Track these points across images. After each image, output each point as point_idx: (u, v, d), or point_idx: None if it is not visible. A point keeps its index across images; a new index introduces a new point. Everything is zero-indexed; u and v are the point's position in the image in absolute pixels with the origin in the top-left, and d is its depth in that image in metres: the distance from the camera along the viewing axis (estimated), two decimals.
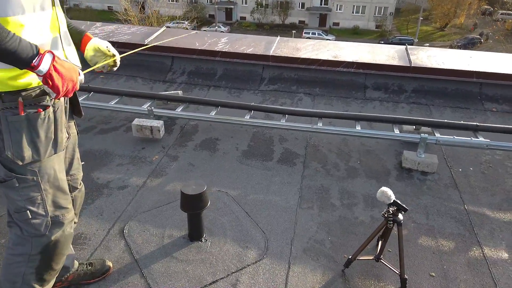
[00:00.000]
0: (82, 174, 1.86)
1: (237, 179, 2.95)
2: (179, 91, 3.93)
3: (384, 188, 1.93)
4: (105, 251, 2.28)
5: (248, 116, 3.42)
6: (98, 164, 3.09)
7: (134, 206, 2.64)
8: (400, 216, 1.98)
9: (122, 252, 2.27)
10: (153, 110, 3.46)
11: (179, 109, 3.52)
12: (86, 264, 2.07)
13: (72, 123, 1.72)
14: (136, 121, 3.35)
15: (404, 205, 1.96)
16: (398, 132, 3.23)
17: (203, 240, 2.37)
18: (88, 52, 1.72)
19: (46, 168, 1.41)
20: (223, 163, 3.14)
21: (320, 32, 37.45)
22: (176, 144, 3.38)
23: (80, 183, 1.85)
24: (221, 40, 4.96)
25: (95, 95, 3.77)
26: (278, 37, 5.15)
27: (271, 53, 4.58)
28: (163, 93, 3.80)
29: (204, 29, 38.41)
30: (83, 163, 1.90)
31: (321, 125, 3.31)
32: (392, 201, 1.93)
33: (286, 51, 4.68)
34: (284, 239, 2.40)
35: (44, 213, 1.45)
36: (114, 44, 1.95)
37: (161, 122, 3.37)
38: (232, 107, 3.54)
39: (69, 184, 1.71)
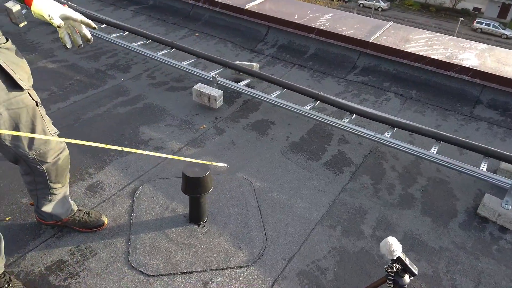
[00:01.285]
0: (54, 145, 1.74)
1: (270, 171, 2.70)
2: (254, 64, 3.74)
3: (390, 239, 1.50)
4: (110, 205, 2.33)
5: (309, 106, 3.08)
6: (150, 120, 3.16)
7: (158, 170, 2.63)
8: (406, 279, 1.53)
9: (124, 212, 2.29)
10: (218, 78, 3.35)
11: (242, 83, 3.35)
12: (84, 212, 2.13)
13: (21, 97, 1.55)
14: (198, 86, 3.30)
15: (413, 267, 1.51)
16: (485, 169, 2.54)
17: (201, 225, 2.24)
18: (35, 14, 1.47)
19: None
20: (264, 150, 2.90)
21: (496, 24, 32.06)
22: (230, 118, 3.25)
23: (53, 155, 1.75)
24: (324, 16, 4.53)
25: (176, 52, 3.84)
26: (391, 22, 4.49)
27: (371, 39, 4.02)
28: (236, 62, 3.65)
29: (360, 2, 36.46)
30: (57, 132, 1.78)
31: (388, 135, 2.80)
32: (395, 257, 1.49)
33: (391, 40, 4.05)
34: (284, 252, 2.12)
35: None
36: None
37: (220, 92, 3.26)
38: (297, 92, 3.22)
39: (34, 159, 1.68)
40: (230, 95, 3.51)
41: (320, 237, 2.24)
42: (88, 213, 2.13)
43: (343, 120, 2.97)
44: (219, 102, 3.27)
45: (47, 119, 1.69)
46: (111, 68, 3.93)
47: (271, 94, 3.19)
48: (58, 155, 1.75)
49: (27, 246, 2.04)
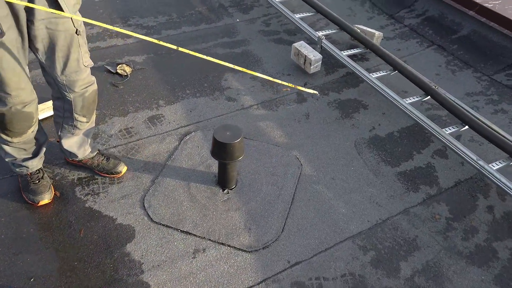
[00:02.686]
0: (85, 76, 1.75)
1: (329, 159, 2.35)
2: (377, 32, 3.17)
3: None
4: (157, 140, 2.37)
5: (413, 100, 2.49)
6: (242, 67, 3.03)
7: (219, 120, 2.54)
8: None
9: (166, 152, 2.30)
10: (323, 40, 2.97)
11: (348, 52, 2.89)
12: (105, 156, 2.15)
13: (61, 20, 1.54)
14: (298, 44, 2.99)
15: None
16: None
17: (225, 191, 2.12)
18: None
19: None
20: (337, 134, 2.52)
21: None
22: (319, 87, 2.89)
23: (82, 86, 1.76)
24: None
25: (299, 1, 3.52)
26: None
27: None
28: (358, 26, 3.14)
29: None
30: (91, 64, 1.77)
31: (497, 167, 2.10)
32: None
33: None
34: (292, 254, 1.87)
35: None
36: None
37: (319, 56, 2.88)
38: (408, 77, 2.63)
39: (64, 84, 1.71)
40: (335, 63, 3.10)
41: (342, 254, 1.89)
42: (108, 158, 2.15)
43: (448, 128, 2.33)
44: (315, 68, 2.92)
45: (85, 50, 1.71)
46: (234, 6, 3.86)
47: (373, 74, 2.69)
48: (86, 87, 1.78)
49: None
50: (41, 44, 1.57)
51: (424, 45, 3.44)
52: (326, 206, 2.09)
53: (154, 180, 2.15)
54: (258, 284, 1.75)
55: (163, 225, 1.94)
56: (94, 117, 1.99)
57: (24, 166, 1.90)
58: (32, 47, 1.58)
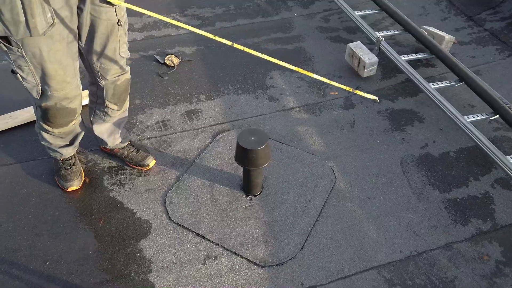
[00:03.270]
0: (119, 66, 1.75)
1: (369, 175, 2.13)
2: (447, 36, 2.81)
3: None
4: (190, 136, 2.32)
5: (475, 118, 2.17)
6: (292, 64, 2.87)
7: (256, 121, 2.44)
8: None
9: (196, 148, 2.26)
10: (381, 41, 2.70)
11: (407, 57, 2.60)
12: (135, 148, 2.14)
13: (105, 9, 1.54)
14: (353, 45, 2.75)
15: None
16: None
17: (249, 197, 2.02)
18: None
19: (29, 45, 1.42)
20: (383, 148, 2.28)
21: None
22: (372, 94, 2.63)
23: (114, 75, 1.77)
24: None
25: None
26: None
27: None
28: (426, 27, 2.81)
29: None
30: (127, 55, 1.76)
31: None
32: None
33: None
34: (307, 276, 1.72)
35: (34, 82, 1.53)
36: None
37: (375, 59, 2.63)
38: (475, 91, 2.30)
39: (98, 71, 1.71)
40: (395, 67, 2.81)
41: (363, 285, 1.70)
42: (138, 150, 2.14)
43: None
44: (369, 71, 2.68)
45: (123, 40, 1.70)
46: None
47: (434, 83, 2.39)
48: (118, 75, 1.78)
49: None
50: (83, 30, 1.59)
51: (504, 53, 2.99)
52: (355, 228, 1.90)
53: (179, 177, 2.11)
54: None
55: (180, 225, 1.90)
56: (126, 106, 2.00)
57: (58, 152, 1.97)
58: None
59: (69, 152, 1.99)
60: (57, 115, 1.69)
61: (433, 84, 2.39)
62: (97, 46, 1.64)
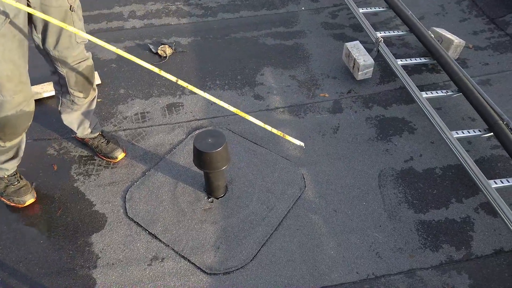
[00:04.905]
0: (77, 53, 1.72)
1: (342, 187, 2.00)
2: (456, 40, 2.57)
3: None
4: (166, 130, 2.28)
5: (466, 134, 1.97)
6: (282, 63, 2.75)
7: (232, 120, 2.35)
8: None
9: (169, 144, 2.22)
10: (380, 43, 2.51)
11: (403, 61, 2.40)
12: (106, 139, 2.12)
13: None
14: (350, 45, 2.58)
15: None
16: None
17: (210, 199, 1.95)
18: None
19: None
20: (363, 158, 2.13)
21: None
22: (364, 99, 2.47)
23: (74, 62, 1.74)
24: None
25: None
26: None
27: None
28: (435, 28, 2.58)
29: None
30: (85, 41, 1.72)
31: None
32: None
33: None
34: None
35: None
36: None
37: (370, 62, 2.45)
38: (472, 104, 2.09)
39: (55, 60, 1.69)
40: (392, 71, 2.62)
41: None
42: (108, 142, 2.12)
43: (500, 181, 1.79)
44: (364, 74, 2.50)
45: (79, 26, 1.66)
46: None
47: (428, 92, 2.20)
48: (79, 62, 1.75)
49: None
50: (37, 21, 1.57)
51: None
52: (314, 243, 1.79)
53: (145, 172, 2.08)
54: None
55: (135, 222, 1.87)
56: (93, 94, 1.96)
57: (4, 169, 1.85)
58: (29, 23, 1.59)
59: (14, 165, 1.88)
60: (16, 124, 1.64)
61: (426, 93, 2.19)
62: (52, 35, 1.62)
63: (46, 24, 1.59)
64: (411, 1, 3.27)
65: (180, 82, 1.55)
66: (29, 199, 1.92)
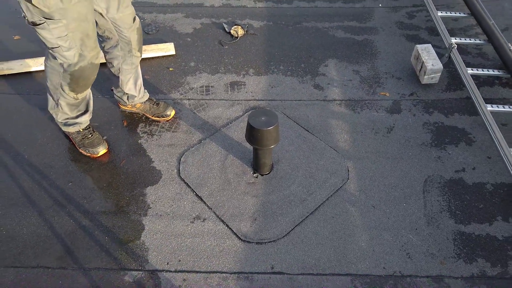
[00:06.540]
0: (132, 9, 1.90)
1: (383, 187, 2.02)
2: None
3: None
4: (205, 107, 2.44)
5: None
6: (349, 57, 2.77)
7: (290, 105, 2.44)
8: None
9: (213, 119, 2.37)
10: (453, 49, 2.43)
11: (473, 71, 2.31)
12: (155, 101, 2.33)
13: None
14: (421, 47, 2.53)
15: None
16: None
17: (255, 175, 2.08)
18: None
19: (72, 12, 1.59)
20: (411, 162, 2.12)
21: None
22: (426, 103, 2.42)
23: (133, 18, 1.91)
24: None
25: None
26: None
27: None
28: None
29: None
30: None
31: None
32: None
33: None
34: (279, 264, 1.75)
35: (75, 46, 1.70)
36: None
37: (438, 66, 2.39)
38: None
39: (119, 25, 1.87)
40: (461, 80, 2.53)
41: (330, 287, 1.68)
42: (158, 103, 2.31)
43: None
44: (430, 78, 2.45)
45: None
46: None
47: (492, 105, 2.11)
48: (135, 18, 1.93)
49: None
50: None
51: None
52: (347, 232, 1.85)
53: (201, 140, 2.26)
54: (231, 273, 1.73)
55: (185, 182, 2.06)
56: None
57: (78, 123, 2.10)
58: None
59: (86, 119, 2.13)
60: (89, 75, 1.86)
61: (491, 106, 2.11)
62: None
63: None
64: (498, 10, 3.10)
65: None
66: (102, 150, 2.17)
